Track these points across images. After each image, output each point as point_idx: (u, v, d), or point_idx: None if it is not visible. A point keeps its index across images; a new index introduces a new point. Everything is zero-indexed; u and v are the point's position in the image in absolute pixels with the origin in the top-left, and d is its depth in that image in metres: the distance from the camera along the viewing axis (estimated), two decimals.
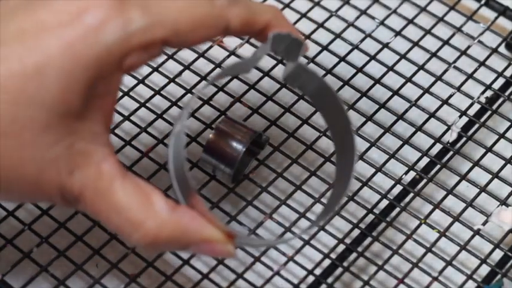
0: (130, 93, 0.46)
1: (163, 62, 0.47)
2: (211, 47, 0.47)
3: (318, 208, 0.43)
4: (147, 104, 0.45)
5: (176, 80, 0.46)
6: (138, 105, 0.45)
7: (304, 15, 0.49)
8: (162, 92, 0.45)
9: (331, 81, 0.46)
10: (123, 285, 0.40)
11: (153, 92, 0.45)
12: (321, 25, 0.48)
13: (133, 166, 0.43)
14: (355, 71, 0.47)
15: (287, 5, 0.49)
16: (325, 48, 0.47)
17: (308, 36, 0.48)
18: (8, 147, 0.32)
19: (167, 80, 0.46)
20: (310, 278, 0.40)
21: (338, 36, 0.48)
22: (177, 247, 0.35)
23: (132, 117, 0.45)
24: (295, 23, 0.48)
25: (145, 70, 0.46)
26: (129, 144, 0.44)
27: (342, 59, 0.47)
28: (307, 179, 0.43)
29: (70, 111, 0.32)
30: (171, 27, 0.33)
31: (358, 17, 0.48)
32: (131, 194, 0.33)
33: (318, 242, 0.42)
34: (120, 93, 0.45)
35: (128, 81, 0.46)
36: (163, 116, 0.45)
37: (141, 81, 0.46)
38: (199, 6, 0.34)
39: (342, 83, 0.46)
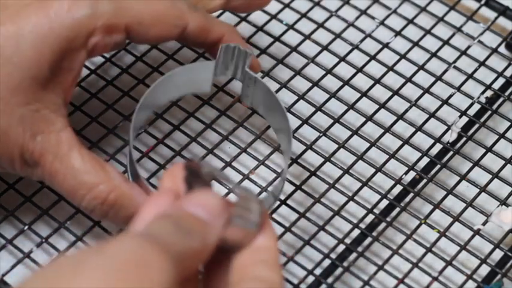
0: (130, 93, 0.46)
1: (163, 62, 0.47)
2: None
3: (318, 208, 0.43)
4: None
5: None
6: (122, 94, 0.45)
7: (304, 15, 0.49)
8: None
9: (331, 80, 0.46)
10: None
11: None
12: (321, 25, 0.48)
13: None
14: (355, 71, 0.47)
15: (287, 5, 0.49)
16: (325, 48, 0.47)
17: (308, 36, 0.48)
18: None
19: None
20: (310, 278, 0.40)
21: (338, 36, 0.48)
22: (123, 215, 0.38)
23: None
24: (295, 23, 0.48)
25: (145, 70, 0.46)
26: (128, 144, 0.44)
27: (342, 59, 0.47)
28: (307, 179, 0.43)
29: (39, 77, 0.36)
30: (135, 16, 0.37)
31: (358, 17, 0.48)
32: (88, 161, 0.37)
33: (318, 242, 0.42)
34: (120, 94, 0.45)
35: (127, 81, 0.46)
36: (163, 115, 0.45)
37: (141, 81, 0.46)
38: (162, 4, 0.38)
39: (341, 83, 0.46)
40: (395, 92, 0.46)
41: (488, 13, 0.49)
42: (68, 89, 0.38)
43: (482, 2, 0.49)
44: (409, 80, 0.46)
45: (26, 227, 0.41)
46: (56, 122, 0.37)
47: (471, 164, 0.44)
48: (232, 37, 0.41)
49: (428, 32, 0.48)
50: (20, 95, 0.36)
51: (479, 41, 0.48)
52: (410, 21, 0.48)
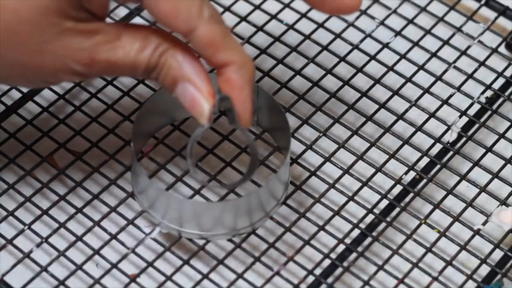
0: (130, 93, 0.46)
1: None
2: None
3: (318, 208, 0.43)
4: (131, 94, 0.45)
5: None
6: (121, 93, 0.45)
7: (304, 15, 0.49)
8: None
9: (331, 80, 0.46)
10: (123, 285, 0.40)
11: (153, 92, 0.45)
12: (321, 25, 0.48)
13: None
14: (355, 71, 0.47)
15: (287, 5, 0.49)
16: (325, 48, 0.47)
17: (308, 36, 0.48)
18: None
19: None
20: (310, 278, 0.41)
21: (338, 36, 0.48)
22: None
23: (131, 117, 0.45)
24: (295, 23, 0.48)
25: None
26: (128, 144, 0.44)
27: (342, 59, 0.47)
28: (307, 179, 0.43)
29: None
30: None
31: (358, 17, 0.49)
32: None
33: (318, 242, 0.42)
34: (120, 94, 0.45)
35: (127, 81, 0.46)
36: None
37: (141, 81, 0.46)
38: None
39: (342, 83, 0.46)
40: (396, 92, 0.46)
41: (488, 13, 0.49)
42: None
43: (482, 2, 0.49)
44: (409, 80, 0.46)
45: (26, 227, 0.41)
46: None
47: (471, 164, 0.44)
48: (241, 72, 0.37)
49: (428, 32, 0.48)
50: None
51: (479, 41, 0.48)
52: (410, 21, 0.48)
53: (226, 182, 0.43)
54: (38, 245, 0.41)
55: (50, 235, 0.41)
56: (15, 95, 0.46)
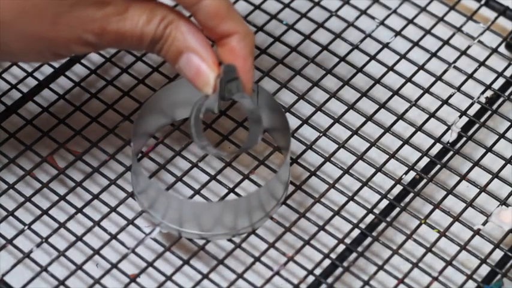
0: (130, 93, 0.46)
1: (163, 63, 0.47)
2: None
3: (318, 208, 0.43)
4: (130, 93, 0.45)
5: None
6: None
7: (304, 16, 0.49)
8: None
9: (331, 80, 0.47)
10: (123, 285, 0.40)
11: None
12: (321, 25, 0.48)
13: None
14: (355, 71, 0.47)
15: (287, 5, 0.49)
16: (325, 48, 0.47)
17: (308, 36, 0.48)
18: None
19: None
20: (310, 278, 0.41)
21: (338, 36, 0.48)
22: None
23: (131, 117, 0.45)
24: (295, 23, 0.48)
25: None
26: (128, 145, 0.44)
27: (342, 59, 0.47)
28: (307, 179, 0.43)
29: None
30: None
31: (358, 17, 0.49)
32: None
33: (318, 242, 0.42)
34: (120, 94, 0.46)
35: (127, 81, 0.46)
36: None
37: (141, 81, 0.46)
38: None
39: (341, 83, 0.46)
40: (395, 92, 0.46)
41: (488, 13, 0.49)
42: None
43: (482, 2, 0.49)
44: (409, 80, 0.47)
45: (26, 227, 0.41)
46: None
47: (471, 164, 0.44)
48: (245, 42, 0.39)
49: (428, 32, 0.48)
50: None
51: (479, 41, 0.48)
52: (410, 21, 0.48)
53: (227, 183, 0.43)
54: (38, 245, 0.41)
55: (50, 235, 0.41)
56: (16, 95, 0.46)
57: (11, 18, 0.37)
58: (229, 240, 0.41)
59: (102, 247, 0.41)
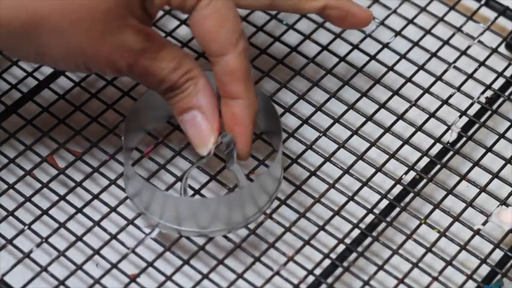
0: (130, 93, 0.46)
1: None
2: None
3: (318, 208, 0.43)
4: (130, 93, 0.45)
5: None
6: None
7: (304, 15, 0.49)
8: None
9: (331, 80, 0.47)
10: (123, 285, 0.40)
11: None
12: (321, 25, 0.48)
13: (134, 165, 0.44)
14: (355, 71, 0.47)
15: None
16: (325, 48, 0.48)
17: (308, 36, 0.48)
18: None
19: None
20: (310, 278, 0.41)
21: (338, 36, 0.48)
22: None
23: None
24: (295, 23, 0.48)
25: None
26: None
27: (342, 59, 0.47)
28: (307, 179, 0.43)
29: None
30: None
31: None
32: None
33: (318, 242, 0.42)
34: (120, 94, 0.46)
35: (127, 81, 0.46)
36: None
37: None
38: None
39: (341, 83, 0.46)
40: (396, 92, 0.46)
41: (488, 13, 0.49)
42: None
43: (482, 2, 0.49)
44: (409, 80, 0.47)
45: (26, 227, 0.41)
46: None
47: (471, 164, 0.44)
48: (248, 110, 0.40)
49: (428, 32, 0.48)
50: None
51: (479, 41, 0.48)
52: (410, 21, 0.49)
53: (227, 183, 0.43)
54: (38, 245, 0.41)
55: (50, 235, 0.41)
56: (16, 95, 0.46)
57: (66, 26, 0.37)
58: (229, 240, 0.41)
59: (102, 247, 0.41)
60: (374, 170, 0.44)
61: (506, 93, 0.47)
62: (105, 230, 0.41)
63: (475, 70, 0.47)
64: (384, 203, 0.43)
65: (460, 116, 0.46)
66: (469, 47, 0.48)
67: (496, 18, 0.49)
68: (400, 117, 0.45)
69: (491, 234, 0.43)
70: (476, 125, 0.46)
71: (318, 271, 0.41)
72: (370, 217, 0.42)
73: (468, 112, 0.46)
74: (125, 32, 0.38)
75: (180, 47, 0.41)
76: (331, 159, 0.44)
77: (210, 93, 0.40)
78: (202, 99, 0.40)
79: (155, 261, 0.41)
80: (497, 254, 0.41)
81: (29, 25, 0.37)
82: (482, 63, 0.47)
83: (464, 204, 0.43)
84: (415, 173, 0.44)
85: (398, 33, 0.48)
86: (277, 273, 0.41)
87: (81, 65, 0.39)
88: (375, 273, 0.41)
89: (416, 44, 0.48)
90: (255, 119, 0.41)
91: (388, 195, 0.43)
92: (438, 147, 0.45)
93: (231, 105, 0.40)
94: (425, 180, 0.44)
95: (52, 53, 0.38)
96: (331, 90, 0.46)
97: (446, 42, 0.48)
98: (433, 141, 0.45)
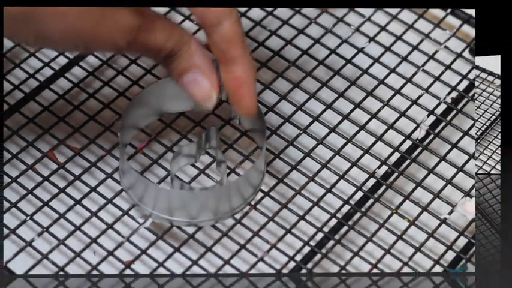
0: (125, 94, 0.47)
1: (157, 65, 0.48)
2: None
3: (299, 199, 0.44)
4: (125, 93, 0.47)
5: None
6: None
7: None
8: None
9: (311, 82, 0.47)
10: (119, 271, 0.41)
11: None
12: (301, 31, 0.49)
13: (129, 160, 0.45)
14: (332, 73, 0.48)
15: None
16: (305, 52, 0.48)
17: (289, 42, 0.49)
18: None
19: None
20: (292, 264, 0.42)
21: (317, 41, 0.49)
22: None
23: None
24: (278, 29, 0.49)
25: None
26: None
27: (321, 62, 0.48)
28: (289, 172, 0.44)
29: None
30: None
31: (335, 24, 0.50)
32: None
33: (299, 231, 0.43)
34: (116, 94, 0.47)
35: (122, 82, 0.47)
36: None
37: (135, 83, 0.47)
38: None
39: (320, 84, 0.47)
40: (369, 93, 0.47)
41: (453, 21, 0.51)
42: None
43: (448, 11, 0.51)
44: (381, 81, 0.48)
45: (28, 218, 0.42)
46: None
47: (438, 159, 0.45)
48: (250, 72, 0.41)
49: (399, 38, 0.49)
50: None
51: (446, 47, 0.49)
52: (383, 28, 0.50)
53: (215, 176, 0.44)
54: (39, 234, 0.42)
55: (50, 225, 0.42)
56: (18, 95, 0.47)
57: (65, 9, 0.38)
58: (217, 229, 0.42)
59: (99, 236, 0.42)
60: (350, 164, 0.45)
61: (470, 94, 0.48)
62: (101, 220, 0.42)
63: (442, 73, 0.48)
64: (359, 194, 0.44)
65: (428, 115, 0.47)
66: (436, 51, 0.49)
67: (461, 25, 0.50)
68: (374, 115, 0.47)
69: (456, 223, 0.44)
70: (443, 123, 0.47)
71: (298, 257, 0.42)
72: (346, 207, 0.44)
73: (435, 111, 0.47)
74: (122, 11, 0.38)
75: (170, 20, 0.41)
76: (311, 154, 0.45)
77: (204, 53, 0.41)
78: (197, 58, 0.40)
79: (148, 249, 0.42)
80: (462, 241, 0.43)
81: (29, 10, 0.37)
82: (448, 67, 0.49)
83: (432, 196, 0.44)
84: (387, 167, 0.45)
85: (372, 39, 0.49)
86: (261, 259, 0.42)
87: (81, 45, 0.39)
88: (351, 259, 0.42)
89: (388, 49, 0.49)
90: (255, 79, 0.41)
91: (363, 188, 0.44)
92: (408, 143, 0.46)
93: (232, 71, 0.40)
94: (396, 174, 0.45)
95: (52, 36, 0.38)
96: (311, 91, 0.47)
97: (415, 48, 0.49)
98: (403, 138, 0.46)
